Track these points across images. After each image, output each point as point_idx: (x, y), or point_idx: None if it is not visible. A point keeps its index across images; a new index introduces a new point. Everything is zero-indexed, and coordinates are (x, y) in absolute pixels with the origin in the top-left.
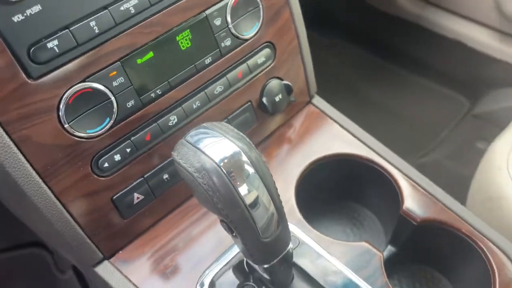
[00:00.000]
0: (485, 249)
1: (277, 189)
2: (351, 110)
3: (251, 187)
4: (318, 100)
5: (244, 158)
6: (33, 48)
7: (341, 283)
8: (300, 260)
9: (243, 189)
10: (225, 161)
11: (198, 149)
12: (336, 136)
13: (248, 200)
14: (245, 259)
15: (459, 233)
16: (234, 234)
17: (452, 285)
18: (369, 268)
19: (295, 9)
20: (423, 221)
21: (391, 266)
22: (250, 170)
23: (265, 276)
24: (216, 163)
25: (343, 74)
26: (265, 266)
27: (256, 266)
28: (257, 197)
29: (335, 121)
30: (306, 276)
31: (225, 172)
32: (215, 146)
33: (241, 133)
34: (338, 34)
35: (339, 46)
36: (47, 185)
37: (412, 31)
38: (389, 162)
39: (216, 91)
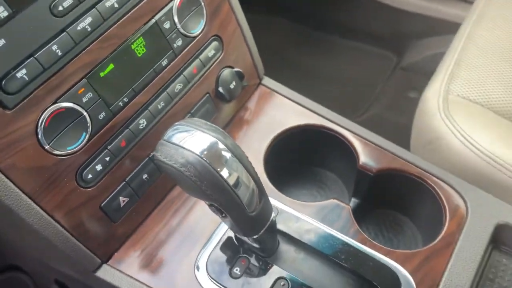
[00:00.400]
0: (433, 185)
1: (254, 168)
2: (296, 83)
3: (231, 170)
4: (267, 81)
5: (221, 146)
6: (4, 81)
7: (320, 238)
8: (282, 226)
9: (225, 173)
10: (205, 152)
11: (179, 146)
12: (289, 110)
13: (231, 181)
14: (233, 235)
15: (411, 176)
16: (223, 214)
17: (412, 222)
18: (340, 220)
19: (233, 0)
20: (378, 171)
21: (358, 215)
22: (228, 155)
23: (255, 245)
24: (198, 155)
25: (282, 50)
26: (255, 236)
27: (245, 239)
28: (238, 178)
29: (285, 97)
30: (290, 239)
31: (208, 161)
32: (193, 141)
33: (213, 125)
34: (264, 10)
35: (270, 23)
36: (38, 205)
37: None
38: (340, 126)
39: (177, 89)
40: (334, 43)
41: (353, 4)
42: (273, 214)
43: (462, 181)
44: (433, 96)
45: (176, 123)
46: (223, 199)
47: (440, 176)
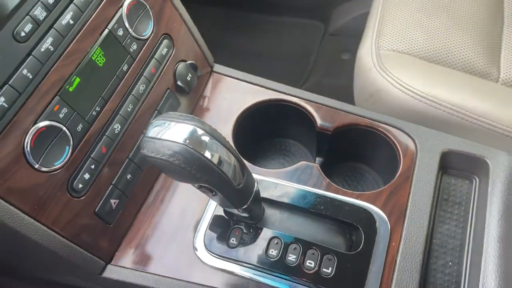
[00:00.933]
0: (384, 131)
1: (232, 146)
2: (237, 66)
3: (213, 151)
4: (218, 67)
5: (200, 131)
6: None
7: (299, 196)
8: (264, 193)
9: (208, 155)
10: (188, 140)
11: (163, 139)
12: (244, 90)
13: (215, 161)
14: (222, 211)
15: (363, 127)
16: (213, 193)
17: (372, 168)
18: (313, 178)
19: None
20: (335, 129)
21: (325, 171)
22: (207, 138)
23: (245, 215)
24: (182, 143)
25: (217, 37)
26: (244, 207)
27: (235, 211)
28: (220, 157)
29: (238, 79)
30: (273, 203)
31: (192, 147)
32: (175, 132)
33: (188, 114)
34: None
35: (203, 13)
36: (39, 222)
37: None
38: (294, 96)
39: (140, 90)
40: (263, 22)
41: None
42: (256, 185)
43: (407, 122)
44: (366, 54)
45: (153, 120)
46: (212, 179)
47: (388, 122)
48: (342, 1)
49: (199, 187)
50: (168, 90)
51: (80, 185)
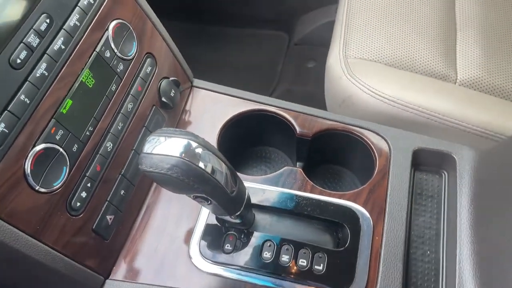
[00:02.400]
0: (359, 134)
1: (223, 155)
2: (206, 78)
3: (206, 162)
4: (197, 82)
5: (194, 144)
6: None
7: (286, 200)
8: (253, 199)
9: (202, 165)
10: (183, 153)
11: (160, 154)
12: (224, 102)
13: (209, 170)
14: (214, 218)
15: (339, 131)
16: (209, 202)
17: (351, 171)
18: (297, 182)
19: (153, 18)
20: (313, 135)
21: (307, 175)
22: (200, 150)
23: (237, 221)
24: (179, 157)
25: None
26: (237, 213)
27: (228, 218)
28: (213, 167)
29: (217, 92)
30: (262, 208)
31: (188, 159)
32: (170, 147)
33: (180, 129)
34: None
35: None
36: (42, 242)
37: None
38: (272, 105)
39: (129, 108)
40: (228, 34)
41: None
42: (246, 191)
43: (379, 125)
44: (335, 63)
45: (149, 136)
46: (208, 188)
47: (362, 125)
48: (304, 11)
49: (195, 198)
50: (154, 106)
51: (78, 203)
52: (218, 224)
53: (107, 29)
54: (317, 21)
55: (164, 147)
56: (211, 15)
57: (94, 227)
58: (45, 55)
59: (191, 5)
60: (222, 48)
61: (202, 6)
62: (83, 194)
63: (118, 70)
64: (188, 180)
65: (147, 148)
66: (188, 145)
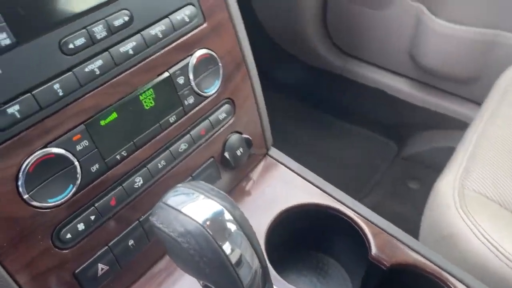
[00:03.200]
0: (450, 285)
1: (260, 246)
2: (296, 160)
3: (235, 245)
4: (274, 152)
5: (228, 216)
6: None
7: None
8: None
9: (227, 248)
10: (208, 221)
11: (179, 211)
12: (295, 185)
13: (234, 259)
14: None
15: (428, 275)
16: None
17: None
18: None
19: (250, 65)
20: (393, 265)
21: None
22: (233, 227)
23: None
24: (200, 224)
25: (283, 125)
26: None
27: None
28: (241, 255)
29: (293, 171)
30: None
31: (211, 232)
32: (196, 206)
33: (221, 191)
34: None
35: (271, 97)
36: (1, 264)
37: (337, 81)
38: (350, 208)
39: (181, 149)
40: (336, 125)
41: (359, 90)
42: None
43: (483, 285)
44: (447, 189)
45: (179, 184)
46: (222, 282)
47: (460, 278)
48: (422, 128)
49: (204, 286)
50: (212, 158)
51: (69, 235)
52: None
53: (191, 55)
54: (434, 143)
55: (188, 204)
56: (323, 102)
57: (77, 271)
58: (106, 52)
59: (308, 87)
60: (321, 134)
61: (317, 90)
62: (80, 226)
63: (186, 102)
64: (200, 259)
65: (168, 197)
66: (219, 213)
